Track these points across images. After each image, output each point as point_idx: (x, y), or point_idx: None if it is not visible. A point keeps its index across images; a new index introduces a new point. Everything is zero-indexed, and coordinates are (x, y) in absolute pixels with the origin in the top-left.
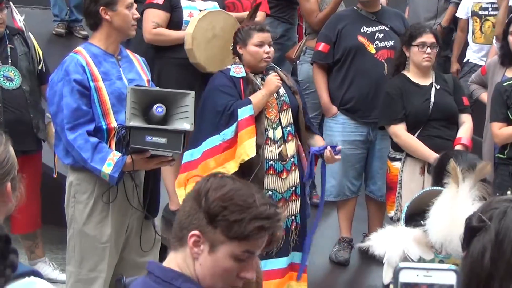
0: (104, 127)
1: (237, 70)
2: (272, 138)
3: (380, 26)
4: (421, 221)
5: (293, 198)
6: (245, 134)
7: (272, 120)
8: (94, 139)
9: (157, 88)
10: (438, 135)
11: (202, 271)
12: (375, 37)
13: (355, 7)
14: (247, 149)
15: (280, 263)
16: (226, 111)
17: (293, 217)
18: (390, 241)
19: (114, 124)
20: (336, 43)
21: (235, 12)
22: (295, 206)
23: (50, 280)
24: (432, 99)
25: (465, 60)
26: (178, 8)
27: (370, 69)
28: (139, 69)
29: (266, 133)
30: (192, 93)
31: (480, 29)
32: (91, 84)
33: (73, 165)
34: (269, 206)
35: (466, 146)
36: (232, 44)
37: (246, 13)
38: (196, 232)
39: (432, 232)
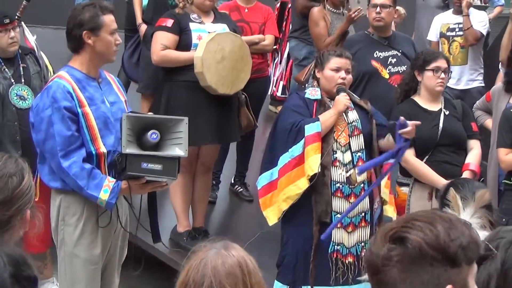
0: (94, 152)
1: (313, 93)
2: (341, 161)
3: (392, 51)
4: None
5: (363, 224)
6: (311, 150)
7: (341, 144)
8: (88, 166)
9: (151, 115)
10: (446, 160)
11: None
12: (388, 62)
13: (366, 32)
14: (311, 164)
15: None
16: (293, 128)
17: (363, 244)
18: None
19: (102, 149)
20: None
21: (243, 35)
22: (365, 233)
23: None
24: (440, 125)
25: None
26: (187, 31)
27: (384, 94)
28: (117, 90)
29: (335, 155)
30: (186, 119)
31: (448, 50)
32: (79, 110)
33: (61, 188)
34: None
35: (475, 172)
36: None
37: (255, 36)
38: None
39: None
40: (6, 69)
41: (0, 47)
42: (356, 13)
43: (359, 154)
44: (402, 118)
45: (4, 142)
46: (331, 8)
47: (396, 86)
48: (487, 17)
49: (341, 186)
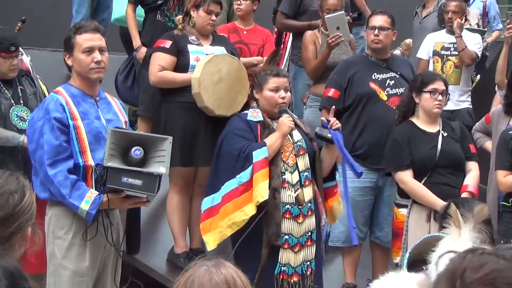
0: (82, 164)
1: (255, 114)
2: (290, 182)
3: (390, 73)
4: (424, 267)
5: (309, 243)
6: (260, 176)
7: (289, 164)
8: (73, 176)
9: (136, 131)
10: (444, 182)
11: None
12: (386, 84)
13: (364, 54)
14: (261, 191)
15: None
16: (241, 154)
17: (308, 263)
18: (393, 287)
19: (91, 162)
20: (347, 89)
21: (242, 57)
22: (310, 252)
23: None
24: (439, 147)
25: None
26: (185, 52)
27: (382, 116)
28: (117, 111)
29: (283, 176)
30: (170, 138)
31: (442, 69)
32: (70, 122)
33: (50, 200)
34: None
35: (473, 194)
36: (249, 88)
37: (253, 58)
38: None
39: (435, 275)
40: (6, 91)
41: (2, 71)
42: (333, 39)
43: (305, 173)
44: (322, 119)
45: (6, 161)
46: (325, 32)
47: (394, 108)
48: (481, 38)
49: (290, 207)
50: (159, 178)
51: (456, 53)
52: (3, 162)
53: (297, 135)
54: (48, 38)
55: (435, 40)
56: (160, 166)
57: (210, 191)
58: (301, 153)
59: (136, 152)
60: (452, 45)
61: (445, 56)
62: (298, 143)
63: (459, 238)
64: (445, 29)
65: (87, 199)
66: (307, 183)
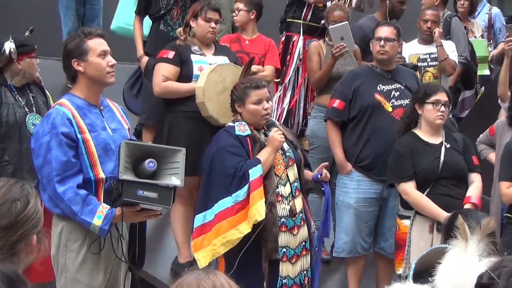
0: (93, 178)
1: (242, 128)
2: (283, 195)
3: (395, 85)
4: (429, 278)
5: (304, 253)
6: (257, 195)
7: (281, 177)
8: (83, 192)
9: (149, 143)
10: (447, 193)
11: None
12: (391, 95)
13: (370, 65)
14: (259, 210)
15: None
16: (237, 172)
17: (305, 272)
18: None
19: (102, 175)
20: (352, 101)
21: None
22: (306, 261)
23: None
24: (442, 158)
25: None
26: (189, 62)
27: (387, 127)
28: (120, 118)
29: (277, 190)
30: (183, 150)
31: (421, 80)
32: (79, 136)
33: (62, 214)
34: None
35: (476, 205)
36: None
37: (255, 67)
38: None
39: (441, 287)
40: (20, 98)
41: (31, 73)
42: (337, 49)
43: (295, 184)
44: (316, 173)
45: (22, 169)
46: (330, 42)
47: (399, 119)
48: (455, 46)
49: (285, 220)
50: (174, 190)
51: (434, 63)
52: (19, 171)
53: (286, 146)
54: (53, 47)
55: (409, 52)
56: (174, 178)
57: (201, 208)
58: (290, 164)
59: (150, 164)
60: (428, 55)
61: (423, 68)
62: (288, 153)
63: (466, 251)
64: (416, 39)
65: (99, 214)
66: (297, 193)
